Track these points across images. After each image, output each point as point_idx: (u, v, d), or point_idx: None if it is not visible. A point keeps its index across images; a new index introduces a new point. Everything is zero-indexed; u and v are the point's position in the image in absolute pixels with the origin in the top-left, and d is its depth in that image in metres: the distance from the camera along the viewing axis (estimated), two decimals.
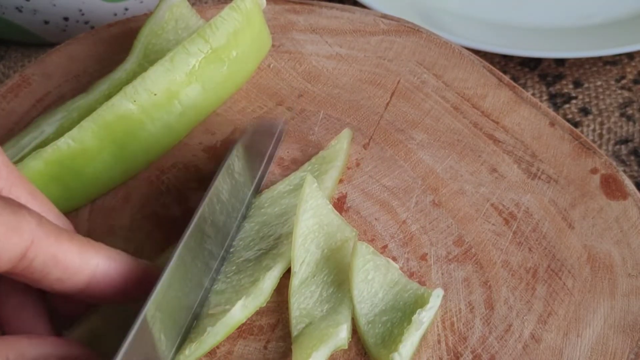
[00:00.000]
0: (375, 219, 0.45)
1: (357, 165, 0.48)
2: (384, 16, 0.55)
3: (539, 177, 0.47)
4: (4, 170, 0.37)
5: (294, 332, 0.40)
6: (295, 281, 0.41)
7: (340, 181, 0.47)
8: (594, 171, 0.47)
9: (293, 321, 0.41)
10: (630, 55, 0.63)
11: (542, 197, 0.46)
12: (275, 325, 0.42)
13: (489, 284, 0.43)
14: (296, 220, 0.41)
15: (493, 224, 0.45)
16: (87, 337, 0.39)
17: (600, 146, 0.58)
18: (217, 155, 0.48)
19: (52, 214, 0.38)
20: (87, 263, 0.35)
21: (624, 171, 0.56)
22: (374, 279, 0.42)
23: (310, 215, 0.42)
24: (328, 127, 0.49)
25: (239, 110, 0.50)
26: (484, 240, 0.45)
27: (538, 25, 0.65)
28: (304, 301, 0.41)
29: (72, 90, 0.51)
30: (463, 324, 0.42)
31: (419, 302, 0.41)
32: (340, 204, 0.46)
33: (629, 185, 0.46)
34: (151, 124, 0.45)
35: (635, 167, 0.56)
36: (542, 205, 0.46)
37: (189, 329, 0.39)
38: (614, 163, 0.47)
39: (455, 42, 0.54)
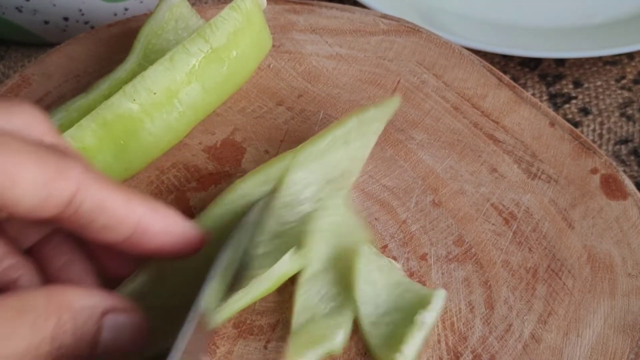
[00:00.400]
0: (375, 219, 0.45)
1: None
2: (384, 16, 0.55)
3: (539, 177, 0.47)
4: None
5: (295, 326, 0.40)
6: (305, 274, 0.41)
7: None
8: (594, 171, 0.47)
9: (295, 315, 0.40)
10: (630, 55, 0.63)
11: (542, 197, 0.46)
12: (275, 325, 0.42)
13: (489, 283, 0.43)
14: (314, 218, 0.41)
15: (493, 224, 0.45)
16: (132, 297, 0.39)
17: (600, 146, 0.58)
18: (217, 155, 0.48)
19: None
20: (133, 212, 0.35)
21: (624, 171, 0.56)
22: (377, 281, 0.42)
23: (328, 213, 0.42)
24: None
25: (239, 110, 0.50)
26: (484, 240, 0.45)
27: (538, 25, 0.65)
28: (309, 296, 0.41)
29: (72, 90, 0.51)
30: (463, 324, 0.42)
31: (422, 303, 0.41)
32: None
33: (629, 185, 0.46)
34: (151, 124, 0.45)
35: (635, 167, 0.56)
36: (542, 205, 0.46)
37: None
38: (614, 163, 0.47)
39: (455, 42, 0.54)
